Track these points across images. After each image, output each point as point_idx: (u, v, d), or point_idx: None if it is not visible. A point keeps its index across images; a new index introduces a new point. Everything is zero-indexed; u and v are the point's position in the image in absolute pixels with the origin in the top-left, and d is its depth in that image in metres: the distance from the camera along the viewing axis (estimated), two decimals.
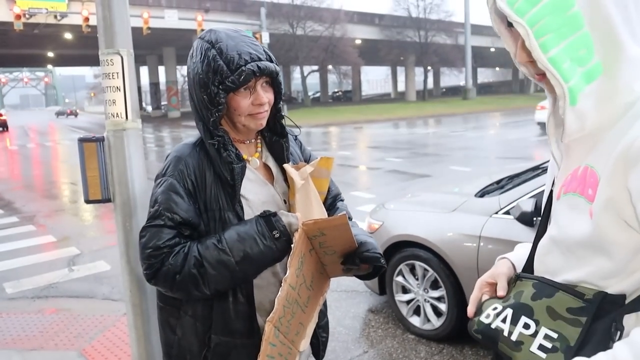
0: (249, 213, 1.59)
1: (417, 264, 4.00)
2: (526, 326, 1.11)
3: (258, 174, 1.67)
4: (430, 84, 59.38)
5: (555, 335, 1.06)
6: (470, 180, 4.72)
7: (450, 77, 63.07)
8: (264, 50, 1.57)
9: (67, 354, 3.89)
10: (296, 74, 56.84)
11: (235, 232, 1.52)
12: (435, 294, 3.92)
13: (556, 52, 1.03)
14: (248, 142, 1.69)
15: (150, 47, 42.72)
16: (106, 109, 2.57)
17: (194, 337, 1.61)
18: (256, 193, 1.63)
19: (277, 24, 40.83)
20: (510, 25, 1.13)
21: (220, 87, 1.49)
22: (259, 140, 1.72)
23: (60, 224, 8.54)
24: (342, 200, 1.94)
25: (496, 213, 3.59)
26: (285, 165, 1.67)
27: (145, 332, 2.64)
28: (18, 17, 25.37)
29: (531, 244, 1.37)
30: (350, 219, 1.81)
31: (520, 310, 1.13)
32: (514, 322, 1.13)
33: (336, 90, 70.87)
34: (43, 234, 7.81)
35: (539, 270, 1.21)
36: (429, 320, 3.99)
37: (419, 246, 3.96)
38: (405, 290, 4.18)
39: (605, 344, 1.01)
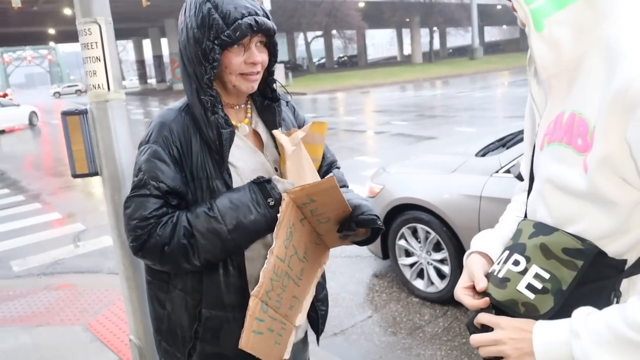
0: (237, 181, 1.51)
1: (419, 226, 3.95)
2: (515, 263, 1.03)
3: (247, 140, 1.59)
4: (436, 45, 58.48)
5: (547, 276, 0.99)
6: (477, 139, 4.62)
7: (457, 37, 61.94)
8: (261, 8, 1.48)
9: (73, 329, 3.91)
10: (300, 40, 56.17)
11: (227, 199, 1.45)
12: (438, 256, 3.88)
13: None
14: (237, 107, 1.60)
15: (152, 19, 42.26)
16: (87, 81, 2.49)
17: (184, 311, 1.55)
18: (245, 161, 1.55)
19: None
20: None
21: (216, 42, 1.40)
22: (249, 106, 1.64)
23: (65, 200, 8.57)
24: (337, 168, 1.86)
25: (496, 172, 3.51)
26: (275, 132, 1.59)
27: (141, 305, 2.62)
28: None
29: (492, 229, 1.30)
30: (346, 186, 1.73)
31: (514, 248, 1.06)
32: (506, 261, 1.06)
33: (341, 55, 70.02)
34: (49, 212, 7.85)
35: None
36: (432, 283, 3.96)
37: (420, 209, 3.91)
38: (408, 254, 4.14)
39: (598, 308, 0.94)
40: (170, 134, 1.49)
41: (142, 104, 32.75)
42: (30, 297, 4.58)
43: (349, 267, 4.75)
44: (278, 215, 1.44)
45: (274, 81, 1.62)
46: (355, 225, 1.55)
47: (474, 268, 1.16)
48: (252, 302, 1.39)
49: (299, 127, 1.72)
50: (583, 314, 0.93)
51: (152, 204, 1.43)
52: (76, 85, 64.20)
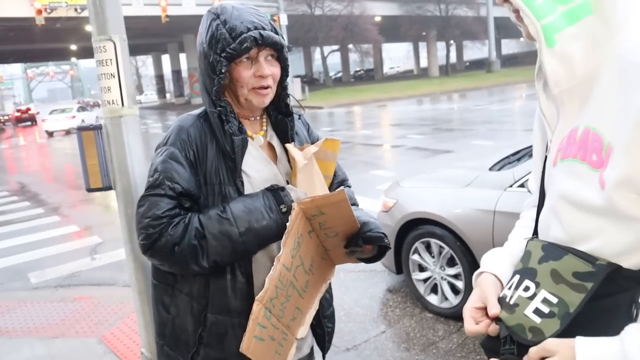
0: (249, 190, 1.55)
1: (433, 241, 3.93)
2: (526, 288, 1.02)
3: (261, 151, 1.63)
4: (453, 58, 58.41)
5: (554, 300, 0.97)
6: (493, 153, 4.59)
7: (474, 50, 61.77)
8: (269, 23, 1.53)
9: (87, 341, 3.94)
10: (317, 54, 56.52)
11: (242, 203, 1.48)
12: (452, 271, 3.85)
13: None
14: (253, 119, 1.65)
15: (171, 35, 42.85)
16: (102, 97, 2.54)
17: (189, 316, 1.57)
18: (258, 170, 1.59)
19: (295, 5, 40.46)
20: None
21: (222, 55, 1.46)
22: (264, 119, 1.68)
23: (84, 213, 8.69)
24: (349, 186, 1.87)
25: (510, 186, 3.48)
26: (288, 145, 1.62)
27: (153, 319, 2.64)
28: (39, 12, 25.69)
29: (502, 248, 1.28)
30: (355, 204, 1.74)
31: (525, 273, 1.05)
32: (518, 286, 1.04)
33: (358, 69, 70.23)
34: (67, 224, 7.96)
35: (551, 238, 1.10)
36: (446, 299, 3.92)
37: (434, 223, 3.88)
38: (421, 269, 4.11)
39: (617, 322, 0.92)
40: (188, 137, 1.53)
41: (160, 118, 33.13)
42: (47, 309, 4.64)
43: (363, 282, 4.73)
44: (287, 223, 1.46)
45: (288, 96, 1.66)
46: (363, 242, 1.57)
47: (487, 291, 1.13)
48: (256, 307, 1.39)
49: (312, 143, 1.75)
50: (634, 330, 0.90)
51: (166, 203, 1.46)
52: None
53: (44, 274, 5.78)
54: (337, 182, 1.83)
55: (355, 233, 1.58)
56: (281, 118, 1.67)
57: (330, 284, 1.77)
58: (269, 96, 1.56)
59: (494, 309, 1.06)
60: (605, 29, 0.94)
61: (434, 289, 4.04)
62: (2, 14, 27.77)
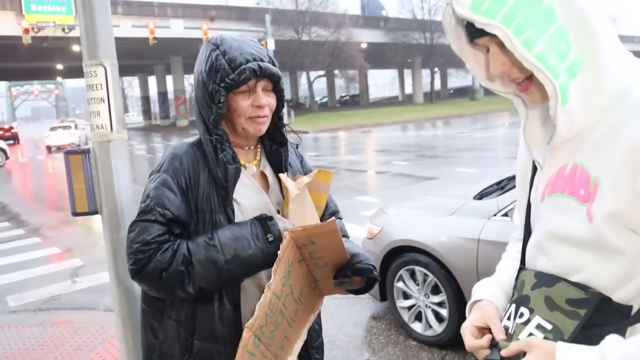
0: (239, 218, 1.57)
1: (417, 269, 3.95)
2: (520, 315, 1.05)
3: (254, 180, 1.65)
4: (437, 85, 59.19)
5: (549, 327, 1.00)
6: (476, 181, 4.65)
7: (458, 78, 62.76)
8: (267, 54, 1.57)
9: None
10: (303, 79, 56.98)
11: (229, 230, 1.50)
12: (436, 299, 3.86)
13: (541, 47, 0.96)
14: (247, 148, 1.68)
15: (158, 57, 42.95)
16: (91, 121, 2.54)
17: (176, 341, 1.58)
18: (249, 199, 1.61)
19: (283, 30, 40.87)
20: (472, 39, 1.07)
21: (221, 85, 1.49)
22: (258, 149, 1.71)
23: (65, 235, 8.57)
24: (340, 218, 1.89)
25: (494, 215, 3.52)
26: (281, 175, 1.65)
27: (135, 345, 2.60)
28: (26, 31, 25.59)
29: (492, 278, 1.30)
30: (345, 236, 1.76)
31: (520, 301, 1.08)
32: (515, 316, 1.07)
33: (343, 94, 70.82)
34: (48, 246, 7.85)
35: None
36: (430, 326, 3.92)
37: (419, 251, 3.90)
38: (406, 296, 4.12)
39: None
40: (181, 165, 1.56)
41: (145, 140, 33.02)
42: (25, 333, 4.54)
43: (347, 309, 4.71)
44: (278, 252, 1.47)
45: (283, 125, 1.69)
46: (352, 273, 1.59)
47: (492, 315, 1.16)
48: (246, 334, 1.39)
49: (305, 174, 1.78)
50: (614, 340, 0.94)
51: (156, 229, 1.48)
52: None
53: (23, 297, 5.67)
54: (329, 213, 1.85)
55: (345, 264, 1.60)
56: (275, 148, 1.70)
57: (319, 314, 1.78)
58: (265, 125, 1.60)
59: (501, 334, 1.09)
60: (596, 78, 0.98)
61: (418, 317, 4.04)
62: None
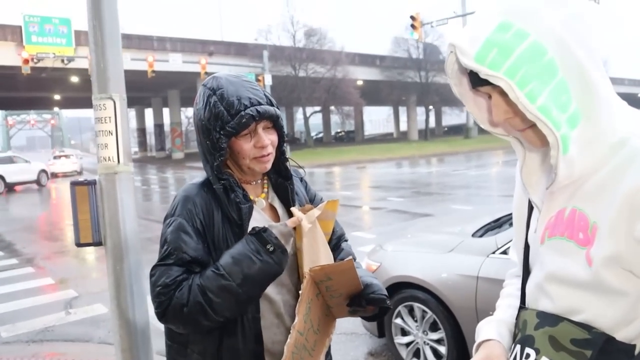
0: None
1: (416, 305, 3.95)
2: (527, 356, 1.07)
3: (264, 214, 1.69)
4: (432, 123, 59.72)
5: None
6: (473, 219, 4.69)
7: (452, 116, 63.44)
8: (264, 94, 1.60)
9: None
10: (299, 115, 57.42)
11: (229, 256, 1.53)
12: (435, 336, 3.85)
13: (543, 100, 0.99)
14: (255, 182, 1.72)
15: (155, 89, 43.31)
16: (98, 153, 2.58)
17: None
18: None
19: (280, 66, 41.40)
20: (475, 87, 1.10)
21: (222, 132, 1.53)
22: (265, 182, 1.75)
23: (59, 266, 8.51)
24: (346, 241, 1.95)
25: (493, 253, 3.55)
26: (293, 209, 1.68)
27: None
28: (26, 61, 25.86)
29: (495, 316, 1.32)
30: (354, 259, 1.79)
31: (525, 342, 1.09)
32: (521, 356, 1.09)
33: (339, 130, 71.33)
34: (42, 276, 7.78)
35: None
36: None
37: (417, 287, 3.91)
38: (404, 333, 4.11)
39: None
40: (194, 207, 1.59)
41: (141, 171, 33.00)
42: None
43: (344, 344, 4.68)
44: (300, 291, 1.51)
45: (287, 159, 1.73)
46: (366, 303, 1.65)
47: (500, 355, 1.19)
48: None
49: (310, 200, 1.86)
50: None
51: (175, 271, 1.52)
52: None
53: (16, 327, 5.59)
54: (336, 237, 1.90)
55: (358, 293, 1.65)
56: (281, 181, 1.74)
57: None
58: (270, 162, 1.64)
59: None
60: (594, 129, 1.03)
61: (417, 354, 4.02)
62: None
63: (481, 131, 53.60)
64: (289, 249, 1.56)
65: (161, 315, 1.52)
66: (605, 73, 1.06)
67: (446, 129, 69.29)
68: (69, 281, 7.43)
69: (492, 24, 1.03)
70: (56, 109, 73.25)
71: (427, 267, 3.92)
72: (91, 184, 2.58)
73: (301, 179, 1.89)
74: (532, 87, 0.99)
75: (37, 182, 25.78)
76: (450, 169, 23.58)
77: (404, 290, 4.01)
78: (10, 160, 25.53)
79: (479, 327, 1.31)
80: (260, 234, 1.55)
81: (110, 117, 2.55)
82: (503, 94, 1.05)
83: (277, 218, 1.72)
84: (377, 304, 1.66)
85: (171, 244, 1.54)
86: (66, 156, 35.88)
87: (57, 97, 47.05)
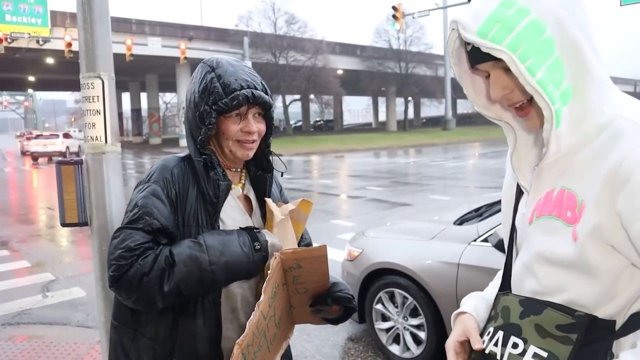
0: None
1: (397, 291, 4.00)
2: (514, 345, 1.09)
3: (238, 202, 1.67)
4: (410, 114, 60.15)
5: (544, 354, 1.05)
6: (451, 208, 4.76)
7: (431, 108, 63.93)
8: (261, 82, 1.60)
9: None
10: (278, 102, 57.24)
11: (217, 234, 1.51)
12: (415, 321, 3.91)
13: (542, 74, 1.04)
14: (234, 170, 1.69)
15: (133, 73, 42.70)
16: (85, 132, 2.55)
17: None
18: (234, 219, 1.62)
19: (260, 54, 41.19)
20: (474, 64, 1.14)
21: (213, 107, 1.51)
22: (243, 173, 1.73)
23: (35, 249, 8.38)
24: (308, 244, 1.90)
25: (474, 241, 3.61)
26: (267, 199, 1.67)
27: None
28: (0, 41, 25.25)
29: (481, 293, 1.37)
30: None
31: (509, 330, 1.12)
32: (505, 343, 1.11)
33: (318, 119, 71.31)
34: (17, 259, 7.65)
35: (526, 291, 1.19)
36: (408, 349, 3.96)
37: (399, 274, 3.96)
38: (385, 318, 4.16)
39: None
40: (172, 176, 1.56)
41: None
42: None
43: (324, 330, 4.72)
44: (268, 271, 1.46)
45: (270, 152, 1.72)
46: (331, 301, 1.61)
47: (470, 327, 1.23)
48: (236, 351, 1.35)
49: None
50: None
51: (141, 237, 1.46)
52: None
53: None
54: (304, 244, 1.85)
55: (324, 292, 1.62)
56: (261, 174, 1.72)
57: (289, 345, 1.78)
58: (252, 150, 1.62)
59: (478, 344, 1.17)
60: (582, 109, 1.08)
61: (396, 339, 4.08)
62: None
63: (459, 124, 54.18)
64: (271, 262, 1.50)
65: (115, 280, 1.44)
66: (602, 59, 1.10)
67: (424, 120, 69.77)
68: (45, 264, 7.33)
69: (495, 1, 1.07)
70: (30, 90, 71.75)
71: (409, 253, 3.97)
72: (77, 163, 2.55)
73: (282, 174, 1.84)
74: (532, 61, 1.04)
75: None
76: (428, 159, 23.78)
77: (386, 276, 4.06)
78: None
79: (463, 300, 1.36)
80: (253, 231, 1.54)
81: (98, 96, 2.52)
82: (502, 69, 1.10)
83: (249, 209, 1.69)
84: (342, 303, 1.63)
85: (142, 208, 1.49)
86: (48, 136, 31.95)
87: (31, 78, 46.11)
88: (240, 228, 1.56)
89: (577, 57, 1.06)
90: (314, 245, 1.80)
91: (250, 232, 1.55)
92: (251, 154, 1.63)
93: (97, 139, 2.54)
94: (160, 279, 1.42)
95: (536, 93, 1.05)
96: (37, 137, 32.36)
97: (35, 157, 29.75)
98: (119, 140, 2.62)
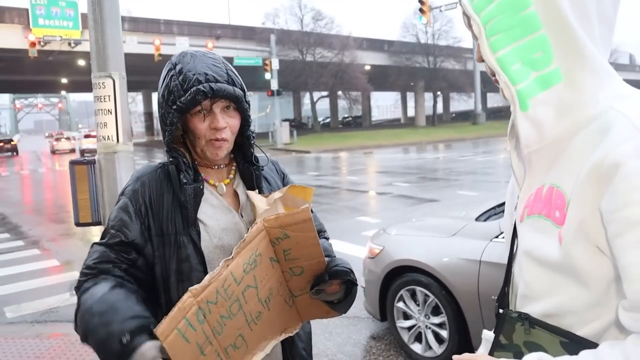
0: (205, 239, 1.51)
1: (418, 289, 3.93)
2: None
3: (222, 200, 1.58)
4: (439, 109, 59.47)
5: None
6: (478, 204, 4.65)
7: (460, 102, 63.16)
8: (226, 72, 1.49)
9: None
10: (306, 99, 57.31)
11: (107, 303, 1.33)
12: (437, 320, 3.83)
13: (505, 52, 1.00)
14: (217, 167, 1.61)
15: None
16: (97, 132, 2.57)
17: None
18: (217, 219, 1.55)
19: (287, 51, 41.26)
20: (468, 27, 1.11)
21: (173, 107, 1.44)
22: (232, 167, 1.65)
23: (65, 248, 8.55)
24: (326, 238, 1.78)
25: (496, 237, 3.52)
26: (249, 192, 1.59)
27: None
28: (33, 44, 25.89)
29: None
30: (330, 255, 1.63)
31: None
32: None
33: (346, 115, 71.16)
34: (47, 258, 7.82)
35: (517, 294, 1.13)
36: (430, 347, 3.90)
37: (420, 271, 3.89)
38: (406, 316, 4.10)
39: None
40: (142, 187, 1.52)
41: (148, 155, 33.09)
42: (21, 345, 4.51)
43: (347, 328, 4.68)
44: (246, 234, 1.38)
45: (252, 145, 1.62)
46: (328, 277, 1.49)
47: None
48: (187, 299, 1.21)
49: None
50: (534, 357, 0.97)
51: (101, 254, 1.45)
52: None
53: (21, 308, 5.64)
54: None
55: (322, 272, 1.51)
56: (246, 166, 1.64)
57: (309, 340, 1.71)
58: (223, 149, 1.52)
59: None
60: (573, 96, 0.99)
61: (418, 338, 4.02)
62: None
63: (489, 118, 53.42)
64: (252, 228, 1.40)
65: (76, 290, 1.46)
66: (605, 47, 1.01)
67: (454, 115, 68.97)
68: (73, 263, 7.47)
69: None
70: (63, 92, 73.40)
71: (430, 250, 3.90)
72: (90, 163, 2.56)
73: (276, 168, 1.77)
74: (499, 37, 1.01)
75: None
76: (457, 154, 23.49)
77: (407, 274, 4.00)
78: None
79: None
80: (132, 341, 1.24)
81: (109, 96, 2.53)
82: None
83: (238, 205, 1.61)
84: (340, 277, 1.50)
85: (111, 222, 1.49)
86: (67, 138, 36.30)
87: (64, 80, 47.12)
88: (128, 331, 1.26)
89: (568, 37, 0.97)
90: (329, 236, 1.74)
91: (130, 339, 1.25)
92: (222, 153, 1.53)
93: (109, 138, 2.55)
94: (77, 307, 1.42)
95: (495, 71, 1.02)
96: (86, 137, 37.89)
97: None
98: (131, 139, 2.62)
